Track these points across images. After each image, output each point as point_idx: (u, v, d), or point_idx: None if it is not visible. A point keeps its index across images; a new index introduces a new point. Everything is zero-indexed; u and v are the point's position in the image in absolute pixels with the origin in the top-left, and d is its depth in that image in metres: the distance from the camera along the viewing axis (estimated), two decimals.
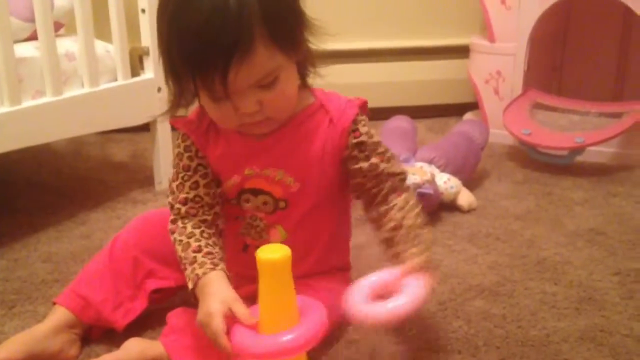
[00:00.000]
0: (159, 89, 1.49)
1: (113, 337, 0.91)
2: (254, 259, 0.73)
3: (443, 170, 1.41)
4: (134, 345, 0.84)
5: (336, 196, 0.92)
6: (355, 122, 0.87)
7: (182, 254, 0.84)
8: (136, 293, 0.93)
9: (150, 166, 1.57)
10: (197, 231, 0.85)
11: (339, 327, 0.92)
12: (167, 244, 0.89)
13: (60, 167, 1.74)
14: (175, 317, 0.87)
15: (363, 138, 0.87)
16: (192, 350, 0.82)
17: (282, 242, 0.83)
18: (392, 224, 0.86)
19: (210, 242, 0.85)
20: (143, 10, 1.44)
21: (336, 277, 0.95)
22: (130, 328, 0.92)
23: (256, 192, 0.88)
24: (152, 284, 0.94)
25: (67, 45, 1.38)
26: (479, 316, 0.97)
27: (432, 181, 1.32)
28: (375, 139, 0.89)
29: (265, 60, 0.76)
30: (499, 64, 1.82)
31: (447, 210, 1.37)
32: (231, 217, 0.91)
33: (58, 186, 1.58)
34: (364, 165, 0.87)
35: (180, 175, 0.88)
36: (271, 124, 0.84)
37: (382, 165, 0.88)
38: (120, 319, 0.91)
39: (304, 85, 0.88)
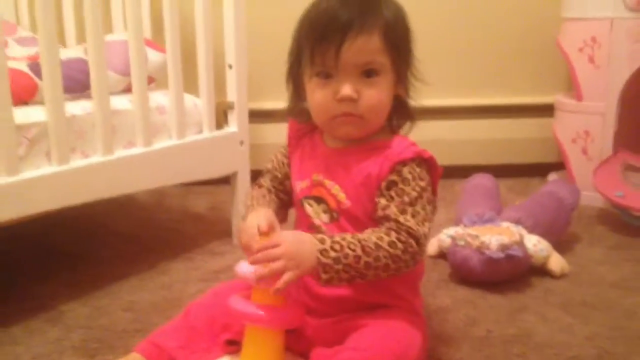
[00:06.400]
0: (242, 142, 1.51)
1: None
2: None
3: (531, 232, 1.34)
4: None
5: None
6: (403, 163, 0.88)
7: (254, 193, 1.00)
8: (211, 346, 0.93)
9: (229, 219, 1.58)
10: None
11: None
12: None
13: (142, 217, 1.78)
14: None
15: (396, 179, 0.87)
16: None
17: None
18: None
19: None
20: (230, 66, 1.49)
21: (401, 315, 0.90)
22: None
23: (318, 199, 0.94)
24: (226, 335, 0.93)
25: (158, 98, 1.43)
26: None
27: (520, 243, 1.26)
28: (410, 190, 0.86)
29: (375, 49, 0.86)
30: (587, 124, 1.75)
31: (537, 275, 1.30)
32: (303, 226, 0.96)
33: (140, 236, 1.61)
34: (382, 201, 0.87)
35: (269, 166, 1.04)
36: (359, 126, 0.89)
37: (393, 210, 0.85)
38: None
39: (390, 127, 0.94)
